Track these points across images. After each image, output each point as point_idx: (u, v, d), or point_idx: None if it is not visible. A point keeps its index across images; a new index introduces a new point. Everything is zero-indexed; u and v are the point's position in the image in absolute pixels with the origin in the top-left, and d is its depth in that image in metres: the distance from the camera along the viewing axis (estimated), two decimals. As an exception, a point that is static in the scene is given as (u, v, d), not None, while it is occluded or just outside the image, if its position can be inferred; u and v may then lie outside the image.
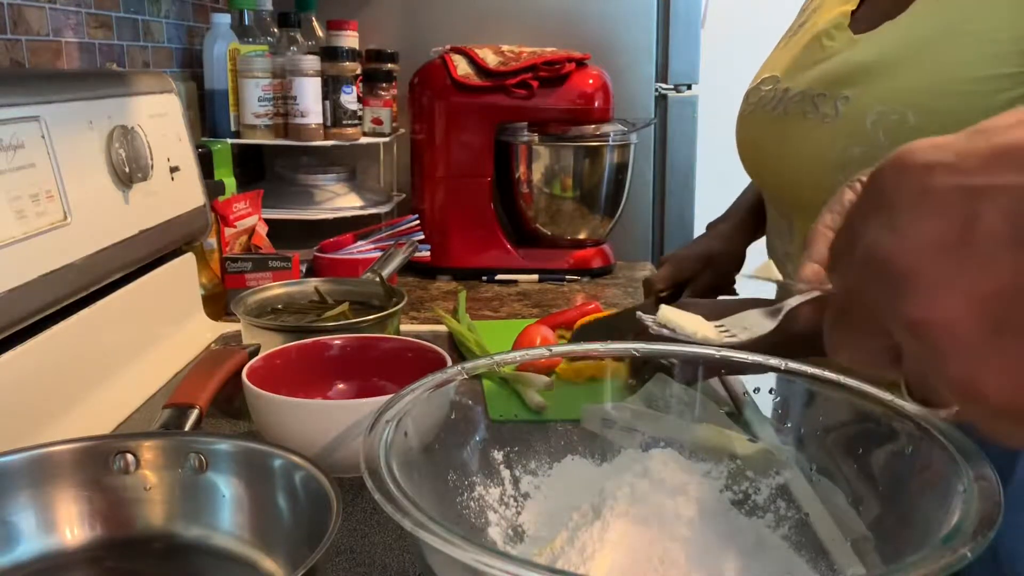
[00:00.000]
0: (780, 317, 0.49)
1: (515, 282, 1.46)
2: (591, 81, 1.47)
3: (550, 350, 0.67)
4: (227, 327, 1.14)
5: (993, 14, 0.68)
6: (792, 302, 0.48)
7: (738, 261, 1.09)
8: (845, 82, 0.77)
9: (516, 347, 1.02)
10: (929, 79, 0.70)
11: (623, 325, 0.91)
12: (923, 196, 0.32)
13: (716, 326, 0.53)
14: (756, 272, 0.53)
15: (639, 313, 0.56)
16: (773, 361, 0.62)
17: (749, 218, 1.10)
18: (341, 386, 0.85)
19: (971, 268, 0.31)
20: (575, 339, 0.98)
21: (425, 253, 1.39)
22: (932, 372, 0.33)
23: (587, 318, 1.09)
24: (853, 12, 0.84)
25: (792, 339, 0.79)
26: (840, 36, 0.83)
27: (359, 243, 1.36)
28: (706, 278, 1.06)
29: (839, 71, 0.79)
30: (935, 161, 0.32)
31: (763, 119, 0.89)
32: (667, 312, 0.53)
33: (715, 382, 0.67)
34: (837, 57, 0.81)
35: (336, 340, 0.86)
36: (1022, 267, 0.30)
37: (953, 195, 0.31)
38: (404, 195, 1.66)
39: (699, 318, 0.51)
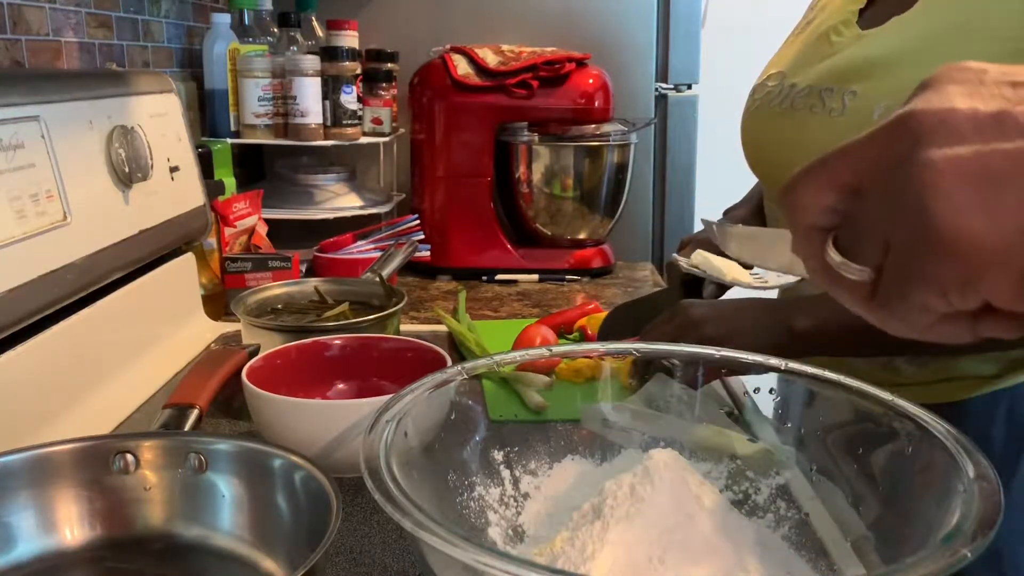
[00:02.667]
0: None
1: (515, 282, 1.46)
2: (591, 81, 1.47)
3: (550, 350, 0.67)
4: (227, 327, 1.14)
5: (1001, 10, 0.68)
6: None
7: None
8: (853, 77, 0.77)
9: (516, 347, 1.02)
10: None
11: (647, 311, 0.91)
12: (975, 77, 0.35)
13: (751, 273, 0.53)
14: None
15: (675, 255, 0.56)
16: (773, 361, 0.62)
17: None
18: (341, 386, 0.85)
19: (994, 132, 0.33)
20: (602, 329, 0.98)
21: (425, 253, 1.39)
22: (917, 221, 0.34)
23: (596, 316, 1.09)
24: (861, 10, 0.84)
25: (793, 337, 0.80)
26: (848, 32, 0.83)
27: (359, 243, 1.36)
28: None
29: (847, 66, 0.79)
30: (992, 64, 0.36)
31: (769, 114, 0.89)
32: (701, 255, 0.53)
33: (716, 382, 0.67)
34: (845, 52, 0.81)
35: (336, 340, 0.86)
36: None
37: (1003, 78, 0.35)
38: (404, 195, 1.66)
39: (733, 263, 0.50)
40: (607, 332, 0.97)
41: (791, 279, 0.50)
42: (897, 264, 0.36)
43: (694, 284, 0.96)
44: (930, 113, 0.35)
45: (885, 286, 0.37)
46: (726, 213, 1.13)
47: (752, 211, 1.09)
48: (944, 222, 0.34)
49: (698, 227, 1.88)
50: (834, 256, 0.38)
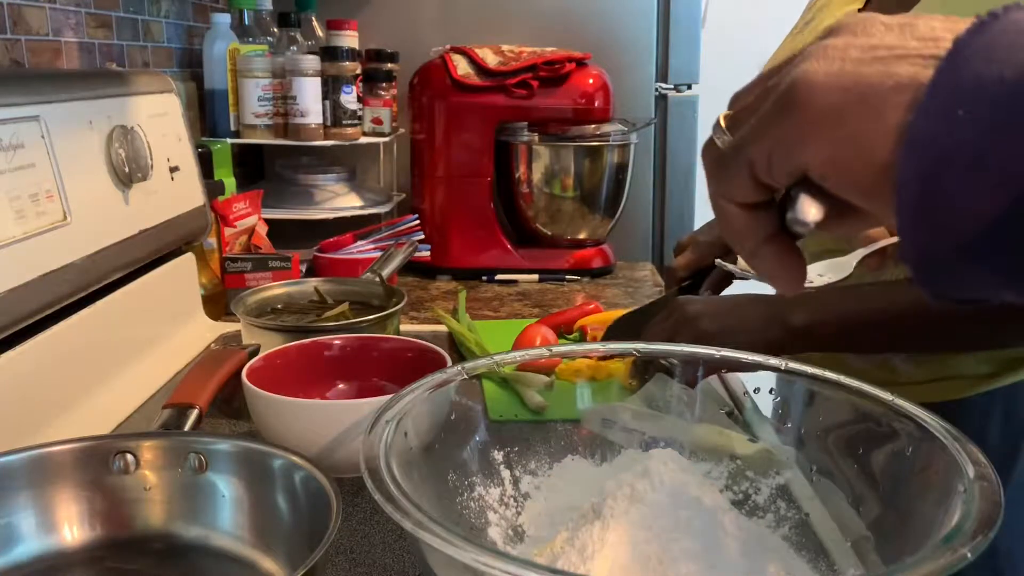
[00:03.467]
0: (853, 266, 0.51)
1: (515, 282, 1.46)
2: (591, 81, 1.47)
3: (550, 350, 0.67)
4: (227, 327, 1.14)
5: None
6: (860, 252, 0.49)
7: None
8: None
9: (516, 347, 1.02)
10: None
11: (648, 319, 0.91)
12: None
13: None
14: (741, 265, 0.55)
15: (718, 261, 0.56)
16: (773, 361, 0.62)
17: None
18: (341, 386, 0.85)
19: (895, 32, 0.35)
20: (606, 339, 0.98)
21: (425, 253, 1.39)
22: (780, 78, 0.36)
23: (596, 316, 1.09)
24: (860, 11, 0.84)
25: (789, 332, 0.80)
26: None
27: (359, 243, 1.36)
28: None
29: None
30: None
31: None
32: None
33: (715, 382, 0.67)
34: None
35: (336, 340, 0.86)
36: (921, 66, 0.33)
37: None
38: (404, 195, 1.66)
39: None
40: (647, 335, 0.96)
41: (835, 279, 0.52)
42: (748, 124, 0.38)
43: (691, 288, 0.97)
44: (852, 16, 0.36)
45: (731, 146, 0.39)
46: None
47: None
48: (798, 75, 0.35)
49: (698, 227, 1.88)
50: (718, 124, 0.40)
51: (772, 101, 0.36)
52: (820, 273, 0.53)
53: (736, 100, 0.41)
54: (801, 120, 0.35)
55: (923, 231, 0.32)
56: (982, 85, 0.30)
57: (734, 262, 0.90)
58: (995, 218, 0.30)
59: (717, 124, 0.41)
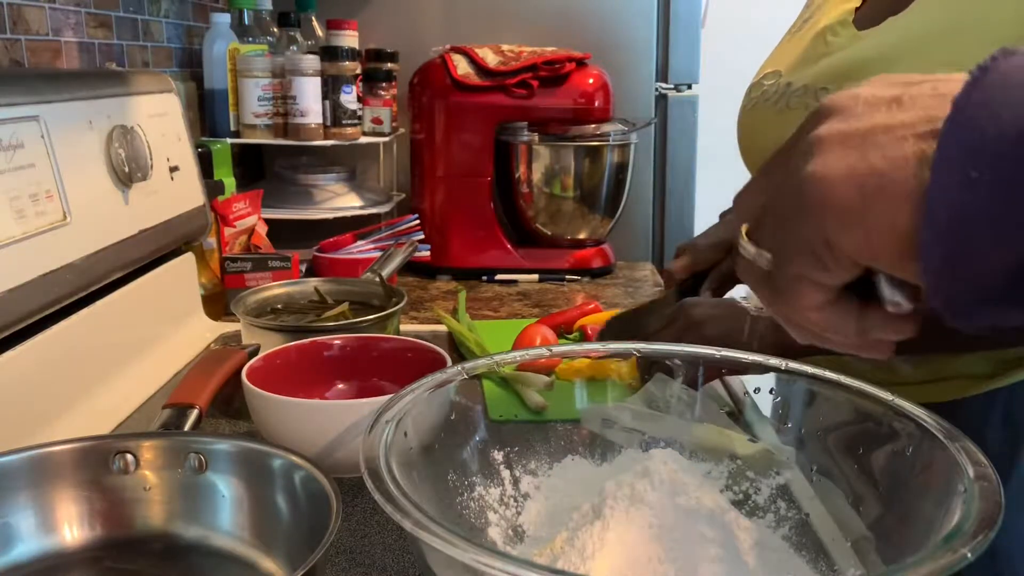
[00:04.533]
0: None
1: (515, 282, 1.46)
2: (591, 81, 1.47)
3: (550, 350, 0.67)
4: (227, 327, 1.14)
5: (996, 9, 0.68)
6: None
7: None
8: (848, 77, 0.77)
9: (516, 347, 1.02)
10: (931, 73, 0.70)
11: (645, 319, 0.91)
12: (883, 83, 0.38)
13: None
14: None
15: (738, 299, 0.57)
16: (773, 361, 0.62)
17: None
18: (341, 386, 0.85)
19: (890, 113, 0.36)
20: (600, 338, 0.98)
21: (425, 253, 1.39)
22: (791, 181, 0.37)
23: (596, 316, 1.09)
24: (857, 9, 0.84)
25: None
26: (844, 32, 0.83)
27: (359, 243, 1.36)
28: (725, 266, 1.06)
29: (843, 66, 0.79)
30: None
31: (765, 113, 0.89)
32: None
33: (716, 382, 0.67)
34: (841, 53, 0.81)
35: (336, 340, 0.86)
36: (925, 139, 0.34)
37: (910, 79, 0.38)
38: (404, 195, 1.66)
39: None
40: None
41: None
42: (778, 236, 0.39)
43: (690, 291, 0.97)
44: (836, 99, 0.37)
45: (774, 264, 0.39)
46: (722, 216, 1.13)
47: None
48: (808, 177, 0.36)
49: (698, 227, 1.88)
50: (746, 246, 0.41)
51: (790, 208, 0.37)
52: None
53: (741, 204, 0.43)
54: (826, 222, 0.36)
55: (948, 287, 0.33)
56: (986, 144, 0.32)
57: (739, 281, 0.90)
58: (1017, 264, 0.32)
59: (743, 243, 0.41)
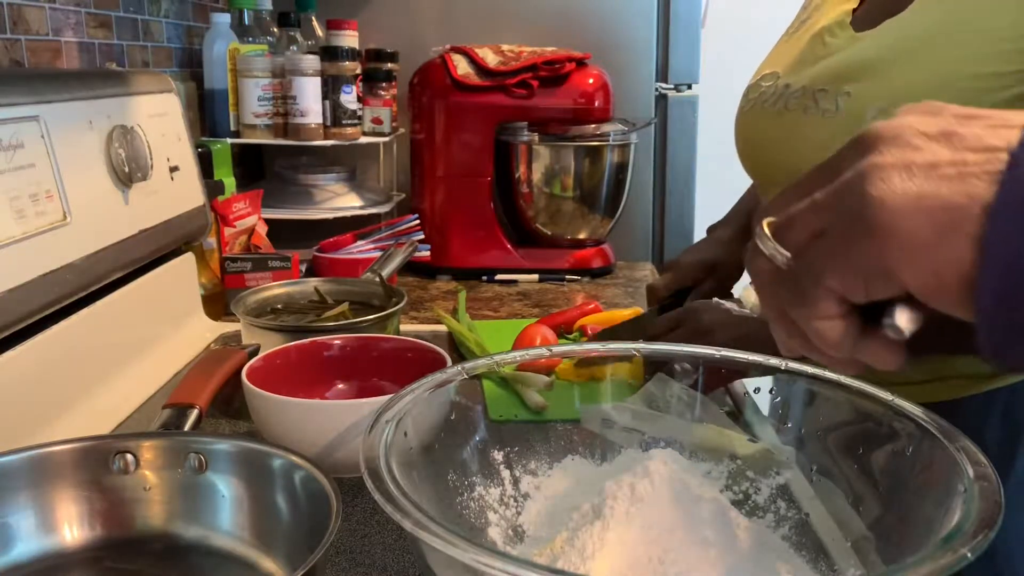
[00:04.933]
0: None
1: (515, 282, 1.46)
2: (591, 81, 1.47)
3: (550, 350, 0.67)
4: (227, 327, 1.14)
5: (995, 12, 0.68)
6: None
7: (739, 269, 1.09)
8: (847, 78, 0.77)
9: (516, 347, 1.02)
10: (930, 75, 0.70)
11: (627, 336, 0.91)
12: (935, 111, 0.38)
13: None
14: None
15: (715, 300, 0.57)
16: (773, 361, 0.62)
17: (749, 224, 1.10)
18: (341, 386, 0.85)
19: (950, 149, 0.36)
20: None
21: (425, 253, 1.39)
22: (852, 201, 0.37)
23: (596, 316, 1.09)
24: (855, 10, 0.84)
25: None
26: (842, 34, 0.83)
27: (359, 243, 1.36)
28: (708, 285, 1.06)
29: (841, 67, 0.79)
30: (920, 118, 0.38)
31: (763, 114, 0.89)
32: (751, 295, 0.54)
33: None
34: (839, 54, 0.81)
35: (336, 340, 0.86)
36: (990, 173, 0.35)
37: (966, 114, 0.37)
38: (404, 195, 1.66)
39: None
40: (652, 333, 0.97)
41: None
42: (825, 248, 0.39)
43: (672, 308, 0.97)
44: (885, 127, 0.38)
45: (801, 267, 0.40)
46: (710, 230, 1.13)
47: (736, 231, 1.09)
48: (874, 202, 0.36)
49: (698, 227, 1.88)
50: (766, 240, 0.41)
51: (847, 227, 0.37)
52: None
53: (780, 206, 0.42)
54: (891, 251, 0.36)
55: (998, 328, 0.35)
56: None
57: (730, 297, 0.90)
58: None
59: (763, 234, 0.41)
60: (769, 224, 0.42)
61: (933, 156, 0.36)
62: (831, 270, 0.38)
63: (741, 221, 1.11)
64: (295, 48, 1.52)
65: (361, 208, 1.53)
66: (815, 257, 0.39)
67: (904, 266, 0.36)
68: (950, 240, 0.35)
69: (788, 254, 0.40)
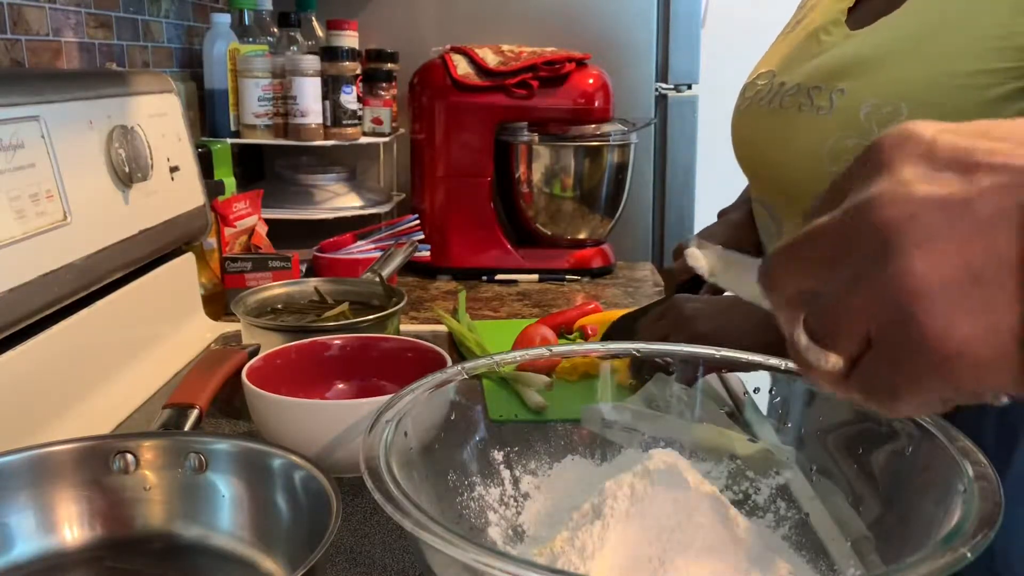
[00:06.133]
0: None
1: (515, 282, 1.46)
2: (591, 81, 1.47)
3: (550, 350, 0.67)
4: (227, 327, 1.14)
5: (986, 9, 0.68)
6: None
7: (754, 250, 1.09)
8: (841, 75, 0.77)
9: (516, 347, 1.02)
10: (923, 72, 0.70)
11: (620, 333, 0.91)
12: (927, 156, 0.34)
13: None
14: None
15: (676, 265, 0.56)
16: (773, 361, 0.62)
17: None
18: (341, 386, 0.85)
19: (966, 225, 0.33)
20: (605, 338, 0.98)
21: (425, 253, 1.39)
22: (904, 331, 0.34)
23: (596, 316, 1.09)
24: (850, 9, 0.85)
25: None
26: (837, 32, 0.83)
27: (359, 243, 1.36)
28: None
29: (835, 65, 0.79)
30: (940, 129, 0.35)
31: (758, 112, 0.89)
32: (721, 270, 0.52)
33: (715, 382, 0.67)
34: (833, 51, 0.81)
35: (336, 340, 0.86)
36: (1010, 237, 0.32)
37: (956, 157, 0.34)
38: (404, 195, 1.66)
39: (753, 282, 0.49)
40: (641, 334, 0.97)
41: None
42: (885, 360, 0.35)
43: (691, 291, 0.97)
44: (897, 206, 0.34)
45: (868, 377, 0.36)
46: (721, 214, 1.13)
47: (748, 214, 1.09)
48: (935, 334, 0.33)
49: (698, 227, 1.88)
50: (802, 340, 0.37)
51: (896, 335, 0.34)
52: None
53: (779, 282, 0.38)
54: (964, 377, 0.34)
55: None
56: None
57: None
58: None
59: (803, 346, 0.37)
60: (803, 321, 0.38)
61: (966, 246, 0.33)
62: (907, 391, 0.35)
63: (752, 204, 1.10)
64: (295, 48, 1.52)
65: (361, 208, 1.53)
66: (879, 371, 0.35)
67: (980, 387, 0.34)
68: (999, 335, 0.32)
69: (840, 360, 0.36)
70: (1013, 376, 0.33)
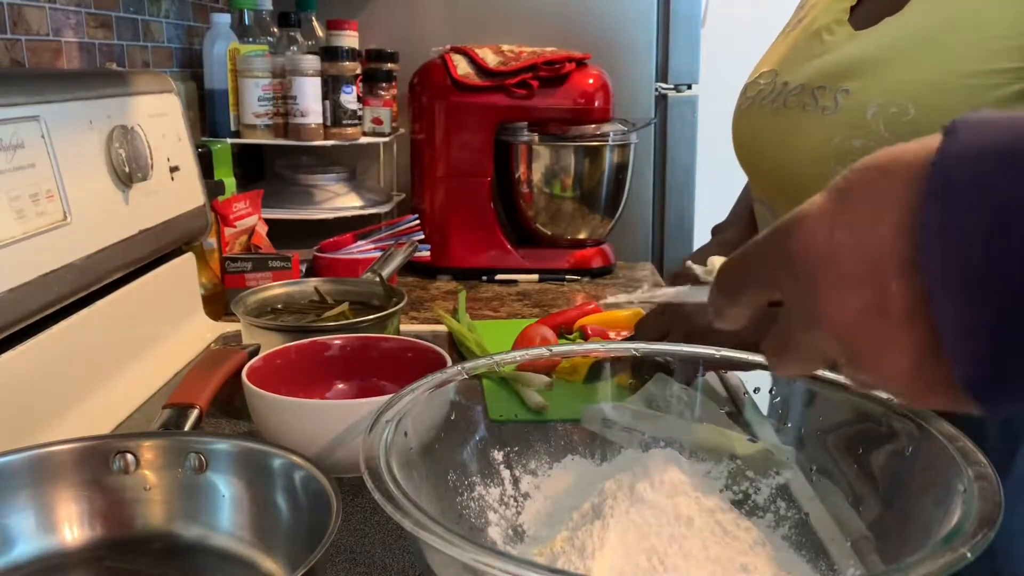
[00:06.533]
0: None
1: (515, 282, 1.46)
2: (591, 81, 1.47)
3: (550, 350, 0.67)
4: (227, 327, 1.14)
5: (994, 9, 0.68)
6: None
7: None
8: (845, 75, 0.77)
9: (516, 347, 1.02)
10: (929, 72, 0.70)
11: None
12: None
13: None
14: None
15: (688, 262, 0.57)
16: (773, 361, 0.61)
17: (753, 222, 1.09)
18: (341, 386, 0.85)
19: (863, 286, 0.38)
20: (637, 326, 0.98)
21: (425, 253, 1.39)
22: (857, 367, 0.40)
23: (596, 316, 1.09)
24: (852, 8, 0.84)
25: None
26: (840, 31, 0.83)
27: (359, 243, 1.36)
28: None
29: (839, 65, 0.79)
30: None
31: (761, 112, 0.89)
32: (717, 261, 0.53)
33: (715, 382, 0.67)
34: (837, 51, 0.81)
35: (336, 340, 0.86)
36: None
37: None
38: (404, 195, 1.66)
39: None
40: (640, 329, 0.96)
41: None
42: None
43: None
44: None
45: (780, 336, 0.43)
46: (715, 231, 1.13)
47: (741, 233, 1.09)
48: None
49: (698, 227, 1.88)
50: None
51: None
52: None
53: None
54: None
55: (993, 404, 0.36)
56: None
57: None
58: None
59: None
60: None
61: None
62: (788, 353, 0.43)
63: (746, 222, 1.10)
64: (295, 48, 1.52)
65: (361, 208, 1.53)
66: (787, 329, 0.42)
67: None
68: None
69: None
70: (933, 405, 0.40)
